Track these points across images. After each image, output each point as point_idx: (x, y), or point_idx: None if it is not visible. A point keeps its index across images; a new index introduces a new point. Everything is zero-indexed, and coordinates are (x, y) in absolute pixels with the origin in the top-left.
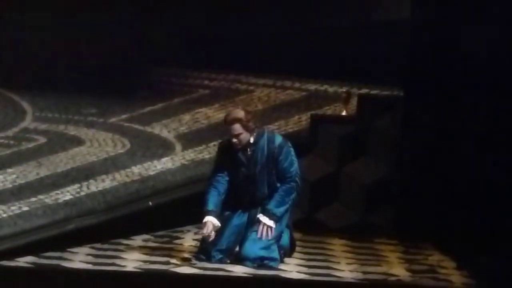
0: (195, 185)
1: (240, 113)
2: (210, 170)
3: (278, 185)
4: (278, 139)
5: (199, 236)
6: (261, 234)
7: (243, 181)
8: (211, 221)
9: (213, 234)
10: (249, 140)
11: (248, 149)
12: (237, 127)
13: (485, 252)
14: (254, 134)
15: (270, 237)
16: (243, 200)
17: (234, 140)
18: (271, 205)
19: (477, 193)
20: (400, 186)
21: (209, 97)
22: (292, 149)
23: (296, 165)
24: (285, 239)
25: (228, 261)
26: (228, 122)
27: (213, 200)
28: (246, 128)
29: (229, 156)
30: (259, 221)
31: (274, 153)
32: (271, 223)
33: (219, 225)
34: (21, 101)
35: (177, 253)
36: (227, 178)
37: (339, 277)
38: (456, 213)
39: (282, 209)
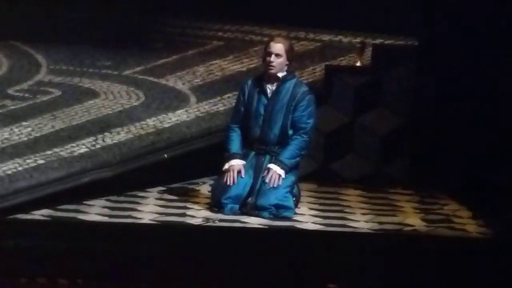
0: (210, 137)
1: (288, 40)
2: (232, 111)
3: (290, 132)
4: (305, 87)
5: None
6: (270, 181)
7: (258, 119)
8: (236, 164)
9: (237, 175)
10: (280, 70)
11: (275, 84)
12: (280, 47)
13: (501, 202)
14: (285, 71)
15: (276, 184)
16: (253, 144)
17: (271, 60)
18: (282, 156)
19: (492, 142)
20: (415, 136)
21: (223, 48)
22: (314, 103)
23: (313, 120)
24: (296, 188)
25: (239, 212)
26: (275, 39)
27: (236, 143)
28: (286, 54)
29: (253, 89)
30: (269, 170)
31: (296, 97)
32: (281, 172)
33: (244, 163)
34: (36, 54)
35: (193, 205)
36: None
37: (354, 227)
38: (471, 162)
39: (293, 161)
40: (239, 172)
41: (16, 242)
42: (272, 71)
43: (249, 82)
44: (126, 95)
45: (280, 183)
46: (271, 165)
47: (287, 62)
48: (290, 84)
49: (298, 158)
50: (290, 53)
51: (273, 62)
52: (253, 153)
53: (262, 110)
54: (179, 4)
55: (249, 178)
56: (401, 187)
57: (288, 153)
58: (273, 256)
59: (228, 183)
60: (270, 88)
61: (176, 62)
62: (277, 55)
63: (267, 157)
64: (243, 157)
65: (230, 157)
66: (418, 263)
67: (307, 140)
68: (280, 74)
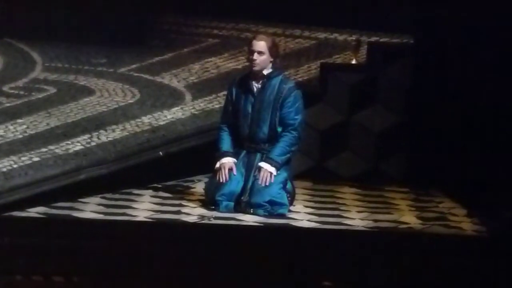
0: (205, 135)
1: (270, 37)
2: (221, 112)
3: (279, 129)
4: (291, 83)
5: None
6: (261, 180)
7: (247, 118)
8: (227, 161)
9: (229, 172)
10: (265, 68)
11: (261, 81)
12: (262, 45)
13: (496, 200)
14: (271, 68)
15: (268, 183)
16: (243, 142)
17: (254, 57)
18: (272, 154)
19: (488, 140)
20: (410, 134)
21: (218, 46)
22: (301, 99)
23: (301, 116)
24: (289, 185)
25: (233, 210)
26: (256, 37)
27: (226, 142)
28: (269, 51)
29: (240, 88)
30: (260, 168)
31: (282, 94)
32: (272, 169)
33: (236, 160)
34: (31, 51)
35: (188, 203)
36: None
37: (349, 225)
38: (467, 160)
39: (283, 157)
40: (230, 169)
41: (11, 240)
42: (256, 68)
43: (236, 81)
44: (121, 93)
45: (272, 181)
46: (262, 164)
47: (271, 59)
48: (276, 81)
49: (288, 155)
50: (273, 50)
51: (255, 59)
52: (244, 151)
53: (249, 109)
54: (174, 1)
55: (241, 176)
56: (397, 184)
57: (278, 150)
58: (268, 253)
59: (220, 181)
60: (256, 86)
61: (172, 60)
62: (260, 52)
63: (258, 155)
64: (234, 155)
65: (221, 156)
66: (413, 260)
67: (296, 136)
68: (265, 72)
